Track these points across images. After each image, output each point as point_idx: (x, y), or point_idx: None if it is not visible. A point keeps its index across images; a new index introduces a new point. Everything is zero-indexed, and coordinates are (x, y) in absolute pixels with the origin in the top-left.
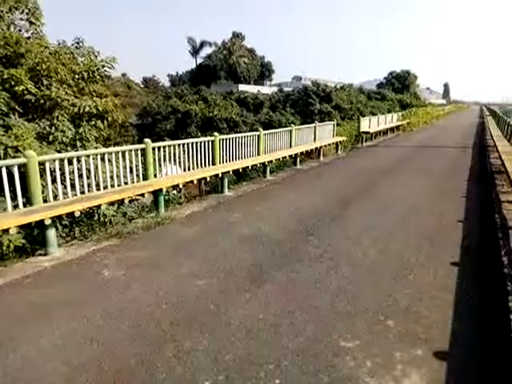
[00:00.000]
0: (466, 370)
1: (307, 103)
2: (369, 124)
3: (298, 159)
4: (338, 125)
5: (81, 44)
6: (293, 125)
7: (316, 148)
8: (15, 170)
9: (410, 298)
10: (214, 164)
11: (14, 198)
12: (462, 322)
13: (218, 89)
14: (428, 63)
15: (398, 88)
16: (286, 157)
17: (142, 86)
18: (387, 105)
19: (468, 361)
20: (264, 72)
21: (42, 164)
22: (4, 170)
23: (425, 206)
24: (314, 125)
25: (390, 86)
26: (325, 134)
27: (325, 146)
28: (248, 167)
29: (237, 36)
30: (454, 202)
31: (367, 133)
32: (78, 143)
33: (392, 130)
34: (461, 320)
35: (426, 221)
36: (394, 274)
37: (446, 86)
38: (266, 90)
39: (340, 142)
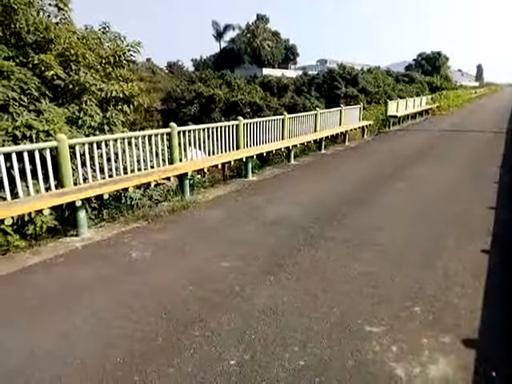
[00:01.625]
0: (494, 358)
1: (332, 87)
2: (396, 108)
3: (323, 144)
4: (364, 109)
5: (107, 29)
6: (318, 108)
7: (341, 132)
8: (47, 153)
9: (438, 285)
10: (238, 148)
11: (45, 180)
12: (492, 311)
13: (242, 73)
14: (460, 44)
15: (428, 70)
16: (310, 141)
17: (167, 70)
18: (416, 88)
19: (497, 349)
20: (288, 55)
21: (72, 147)
22: (37, 153)
23: (455, 192)
24: (339, 108)
25: (420, 68)
26: (351, 118)
27: (350, 130)
28: (272, 151)
29: (261, 19)
30: (486, 188)
31: (395, 117)
32: (106, 127)
33: (421, 113)
34: (490, 308)
35: (456, 207)
36: (422, 260)
37: (479, 67)
38: (291, 73)
39: (366, 126)
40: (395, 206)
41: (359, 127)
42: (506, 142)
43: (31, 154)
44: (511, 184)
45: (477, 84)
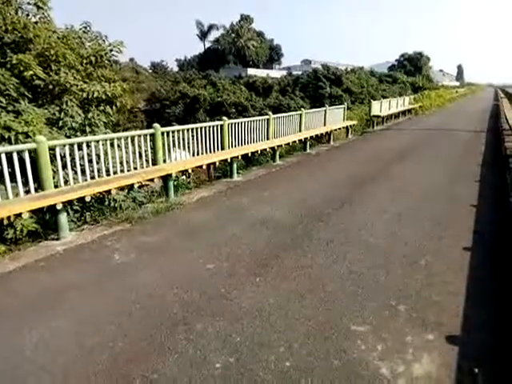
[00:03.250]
0: (478, 354)
1: (317, 87)
2: (380, 107)
3: (308, 143)
4: (348, 109)
5: (88, 28)
6: (303, 109)
7: (326, 132)
8: (26, 155)
9: (421, 283)
10: (223, 149)
11: (25, 183)
12: (475, 307)
13: (227, 73)
14: (441, 45)
15: (410, 70)
16: (295, 141)
17: (150, 70)
18: (399, 88)
19: (480, 346)
20: (273, 55)
21: (52, 149)
22: (15, 155)
23: (438, 191)
24: (324, 109)
25: (402, 69)
26: (335, 117)
27: (335, 130)
28: (257, 152)
29: (245, 19)
30: (468, 186)
31: (378, 116)
32: (88, 128)
33: (404, 113)
34: (473, 305)
35: (439, 205)
36: (406, 258)
37: (459, 67)
38: (275, 73)
39: (350, 125)
40: (379, 205)
41: (343, 127)
42: (486, 140)
43: (9, 156)
44: (492, 181)
45: (457, 84)
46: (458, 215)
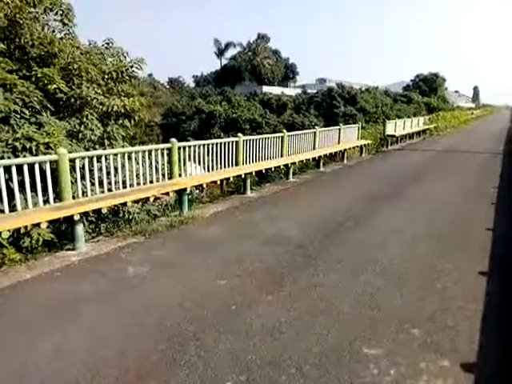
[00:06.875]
0: (493, 382)
1: (331, 105)
2: (394, 127)
3: (322, 162)
4: (362, 128)
5: (110, 44)
6: (317, 127)
7: (340, 151)
8: (47, 167)
9: (436, 307)
10: (237, 165)
11: (44, 193)
12: (491, 333)
13: (242, 90)
14: (457, 66)
15: (425, 91)
16: (309, 159)
17: (168, 86)
18: (413, 108)
19: (496, 373)
20: (288, 74)
21: (71, 161)
22: (37, 166)
23: (453, 213)
24: (338, 127)
25: (417, 89)
26: (349, 136)
27: (349, 148)
28: (271, 168)
29: (262, 37)
30: (483, 210)
31: (393, 136)
32: (106, 142)
33: (418, 133)
34: (489, 331)
35: (454, 228)
36: (421, 281)
37: (475, 89)
38: (290, 91)
39: (365, 145)
40: (393, 225)
41: (357, 146)
42: (503, 162)
43: (31, 166)
44: (509, 204)
45: (473, 105)
46: (472, 237)
